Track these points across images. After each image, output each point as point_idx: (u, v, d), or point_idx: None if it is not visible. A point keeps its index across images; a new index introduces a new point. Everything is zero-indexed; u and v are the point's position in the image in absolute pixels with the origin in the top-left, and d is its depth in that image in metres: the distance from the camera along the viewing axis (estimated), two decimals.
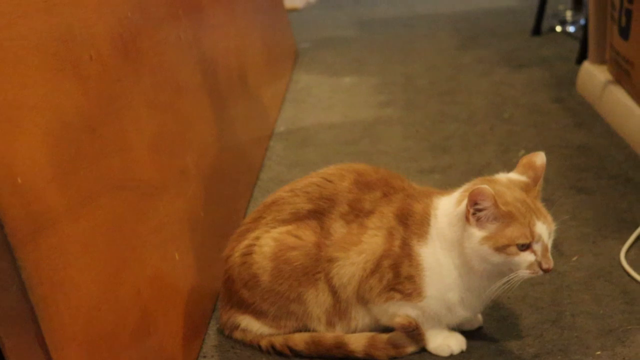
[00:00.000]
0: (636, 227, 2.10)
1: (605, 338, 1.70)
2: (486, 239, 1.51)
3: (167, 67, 1.98)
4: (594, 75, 3.10)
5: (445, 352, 1.68)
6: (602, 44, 3.07)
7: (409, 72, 3.83)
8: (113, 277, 1.43)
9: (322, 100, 3.50)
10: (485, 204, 1.49)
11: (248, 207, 2.41)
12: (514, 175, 1.63)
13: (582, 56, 3.45)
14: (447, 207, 1.62)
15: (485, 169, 2.55)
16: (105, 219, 1.44)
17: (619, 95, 2.80)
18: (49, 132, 1.30)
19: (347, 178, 1.71)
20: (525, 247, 1.50)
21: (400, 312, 1.65)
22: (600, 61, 3.12)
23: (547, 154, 1.63)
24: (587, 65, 3.22)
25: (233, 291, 1.74)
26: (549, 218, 1.55)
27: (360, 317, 1.70)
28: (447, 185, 1.72)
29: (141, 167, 1.66)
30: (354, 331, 1.71)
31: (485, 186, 1.48)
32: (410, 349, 1.69)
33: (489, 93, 3.40)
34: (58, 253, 1.26)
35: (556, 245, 2.04)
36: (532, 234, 1.50)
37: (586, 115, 3.01)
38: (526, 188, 1.57)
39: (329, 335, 1.70)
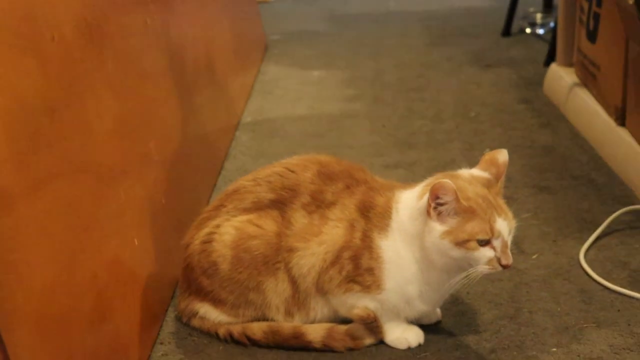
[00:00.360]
0: (596, 228, 2.12)
1: (561, 335, 1.71)
2: (446, 233, 1.51)
3: (132, 52, 1.96)
4: (561, 77, 3.12)
5: (402, 345, 1.69)
6: (570, 47, 3.10)
7: (378, 68, 3.83)
8: (69, 260, 1.41)
9: (290, 93, 3.49)
10: (447, 198, 1.50)
11: (211, 196, 2.39)
12: (476, 171, 1.63)
13: (551, 58, 3.47)
14: (408, 200, 1.62)
15: (450, 166, 2.54)
16: (63, 201, 1.42)
17: (585, 98, 2.83)
18: (6, 112, 1.28)
19: (310, 169, 1.71)
20: (485, 242, 1.51)
21: (359, 303, 1.65)
22: (568, 64, 3.14)
23: (511, 153, 1.64)
24: (554, 67, 3.24)
25: (192, 278, 1.73)
26: (510, 215, 1.55)
27: (319, 308, 1.69)
28: (412, 181, 1.72)
29: (102, 151, 1.64)
30: (313, 322, 1.71)
31: (447, 180, 1.48)
32: (368, 341, 1.69)
33: (456, 91, 3.41)
34: (12, 234, 1.24)
35: (517, 243, 2.06)
36: (492, 230, 1.50)
37: (552, 117, 3.03)
38: (488, 184, 1.58)
39: (287, 325, 1.69)
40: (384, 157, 2.72)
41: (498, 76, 3.59)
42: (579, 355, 1.64)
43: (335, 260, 1.63)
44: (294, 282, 1.66)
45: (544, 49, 3.79)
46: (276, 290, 1.68)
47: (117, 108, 1.76)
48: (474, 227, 1.50)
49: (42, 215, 1.34)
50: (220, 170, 2.63)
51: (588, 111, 2.78)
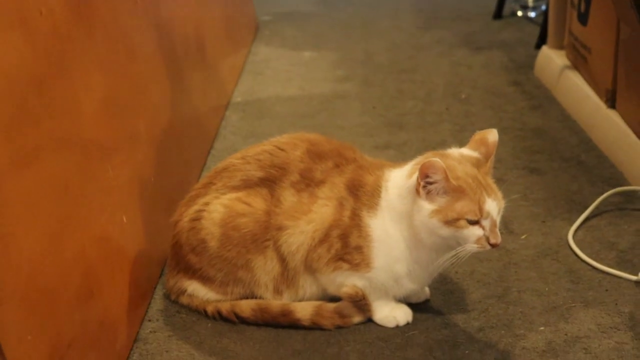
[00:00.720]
0: (585, 209, 2.13)
1: (549, 314, 1.72)
2: (436, 212, 1.51)
3: (121, 30, 1.95)
4: (552, 59, 3.12)
5: (391, 323, 1.69)
6: (562, 29, 3.09)
7: (369, 49, 3.82)
8: (57, 235, 1.40)
9: (280, 73, 3.48)
10: (436, 177, 1.49)
11: (200, 175, 2.39)
12: (466, 151, 1.63)
13: (542, 41, 3.46)
14: (398, 179, 1.62)
15: (440, 147, 2.52)
16: (51, 177, 1.41)
17: (576, 80, 2.83)
18: None
19: (299, 147, 1.70)
20: (474, 221, 1.51)
21: (348, 282, 1.65)
22: (559, 46, 3.14)
23: (502, 135, 1.64)
24: (545, 50, 3.24)
25: (181, 256, 1.72)
26: (499, 194, 1.55)
27: (307, 286, 1.70)
28: (402, 162, 1.71)
29: (90, 127, 1.63)
30: (301, 300, 1.71)
31: (436, 159, 1.48)
32: (357, 319, 1.69)
33: (447, 73, 3.41)
34: None
35: (506, 223, 2.06)
36: (481, 210, 1.50)
37: (543, 99, 3.03)
38: (477, 164, 1.58)
39: (275, 303, 1.69)
40: (374, 137, 2.71)
41: (489, 58, 3.59)
42: (566, 334, 1.65)
43: (324, 238, 1.63)
44: (282, 260, 1.66)
45: (535, 31, 3.79)
46: (265, 268, 1.68)
47: (106, 85, 1.75)
48: (463, 207, 1.50)
49: (29, 189, 1.33)
50: (209, 149, 2.62)
51: (579, 93, 2.78)
